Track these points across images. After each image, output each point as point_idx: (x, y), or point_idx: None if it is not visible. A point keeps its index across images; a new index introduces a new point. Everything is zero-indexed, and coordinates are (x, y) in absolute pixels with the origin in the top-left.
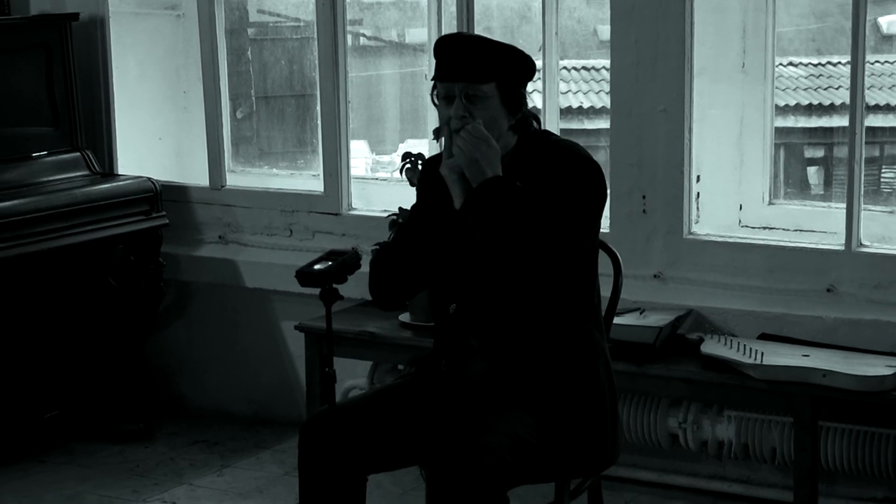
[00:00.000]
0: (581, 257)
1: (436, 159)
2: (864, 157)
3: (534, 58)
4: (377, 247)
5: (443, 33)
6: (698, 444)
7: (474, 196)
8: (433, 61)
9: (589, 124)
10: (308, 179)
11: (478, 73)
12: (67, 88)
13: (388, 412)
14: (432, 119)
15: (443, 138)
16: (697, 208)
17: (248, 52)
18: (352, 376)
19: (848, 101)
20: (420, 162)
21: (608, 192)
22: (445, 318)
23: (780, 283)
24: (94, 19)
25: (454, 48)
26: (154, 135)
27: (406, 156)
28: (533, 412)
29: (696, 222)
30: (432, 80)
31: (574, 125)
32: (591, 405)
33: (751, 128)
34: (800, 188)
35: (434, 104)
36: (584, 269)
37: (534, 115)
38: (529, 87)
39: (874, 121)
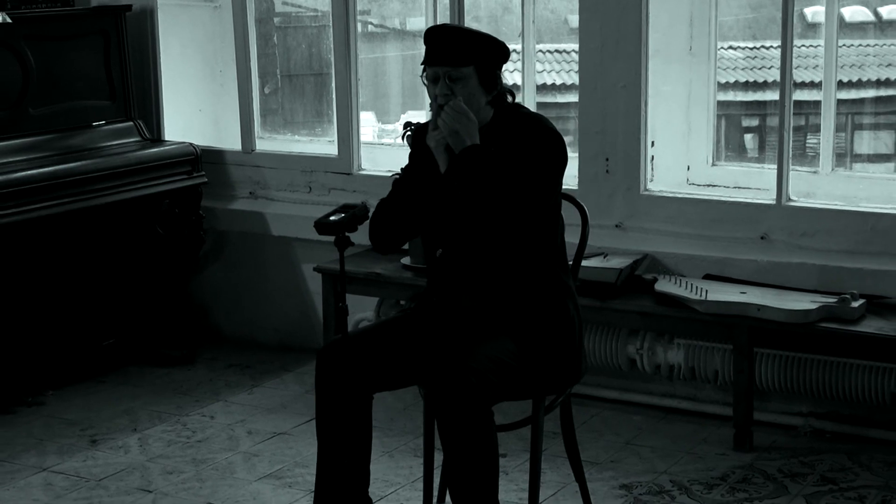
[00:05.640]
0: (546, 211)
1: (424, 127)
2: (791, 125)
3: (513, 43)
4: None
5: (438, 22)
6: (653, 367)
7: (456, 162)
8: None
9: (561, 98)
10: (324, 144)
11: (457, 57)
12: (122, 68)
13: (392, 340)
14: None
15: (431, 113)
16: (652, 169)
17: (274, 38)
18: (361, 310)
19: (778, 79)
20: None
21: (570, 156)
22: (434, 261)
23: (722, 231)
24: (144, 10)
25: (438, 37)
26: (195, 107)
27: (407, 125)
28: (512, 339)
29: (651, 180)
30: (422, 64)
31: (548, 99)
32: (562, 334)
33: (697, 101)
34: (738, 152)
35: (424, 84)
36: (548, 221)
37: (509, 91)
38: (510, 67)
39: (800, 95)
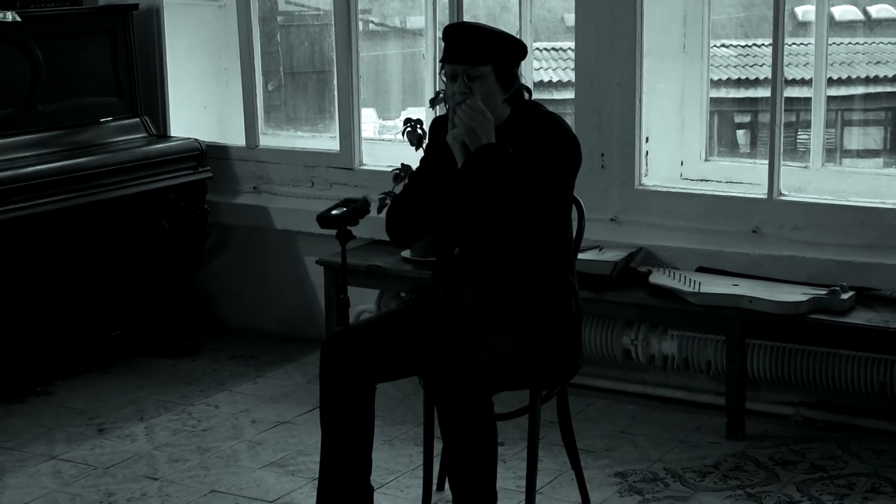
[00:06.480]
0: (557, 211)
1: (443, 119)
2: (783, 122)
3: None
4: (383, 196)
5: (437, 21)
6: (647, 357)
7: (471, 160)
8: (430, 44)
9: (557, 95)
10: (326, 140)
11: (476, 56)
12: (129, 66)
13: (394, 332)
14: (429, 91)
15: (449, 110)
16: (646, 164)
17: (278, 36)
18: (362, 302)
19: (770, 76)
20: (419, 126)
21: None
22: (449, 259)
23: (715, 225)
24: (151, 9)
25: (457, 35)
26: (200, 103)
27: (407, 121)
28: (514, 333)
29: (646, 175)
30: (440, 61)
31: (545, 96)
32: (562, 330)
33: (690, 98)
34: (730, 147)
35: (443, 81)
36: (559, 221)
37: (526, 89)
38: None
39: (791, 92)
